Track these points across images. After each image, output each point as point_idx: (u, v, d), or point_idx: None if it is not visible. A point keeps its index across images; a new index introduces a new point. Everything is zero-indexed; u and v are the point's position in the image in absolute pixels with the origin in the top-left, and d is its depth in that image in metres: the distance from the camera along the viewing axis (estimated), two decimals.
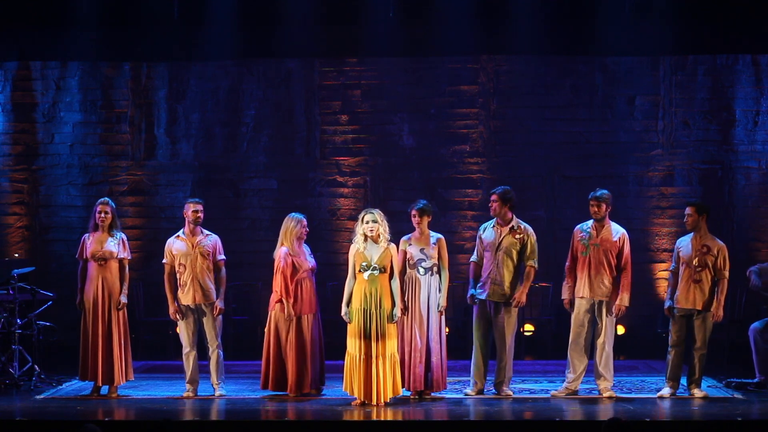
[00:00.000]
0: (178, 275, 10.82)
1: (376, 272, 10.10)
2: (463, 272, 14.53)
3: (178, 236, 10.95)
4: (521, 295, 10.57)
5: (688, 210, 10.75)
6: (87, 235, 10.91)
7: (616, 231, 10.69)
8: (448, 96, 14.67)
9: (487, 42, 14.39)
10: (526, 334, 14.13)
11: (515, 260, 10.60)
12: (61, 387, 11.30)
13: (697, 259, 10.62)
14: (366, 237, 10.15)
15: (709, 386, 11.21)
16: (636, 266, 14.31)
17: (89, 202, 14.68)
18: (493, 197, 10.73)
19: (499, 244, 10.60)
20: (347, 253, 10.47)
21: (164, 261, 10.94)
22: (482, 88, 14.66)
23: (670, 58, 14.50)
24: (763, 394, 10.69)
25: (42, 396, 10.77)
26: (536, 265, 10.64)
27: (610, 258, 10.60)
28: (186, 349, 10.80)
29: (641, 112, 14.60)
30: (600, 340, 10.58)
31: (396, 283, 10.18)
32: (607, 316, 10.60)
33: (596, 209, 10.64)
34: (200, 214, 10.88)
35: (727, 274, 10.59)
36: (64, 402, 10.44)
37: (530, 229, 10.70)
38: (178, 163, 14.79)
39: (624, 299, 10.62)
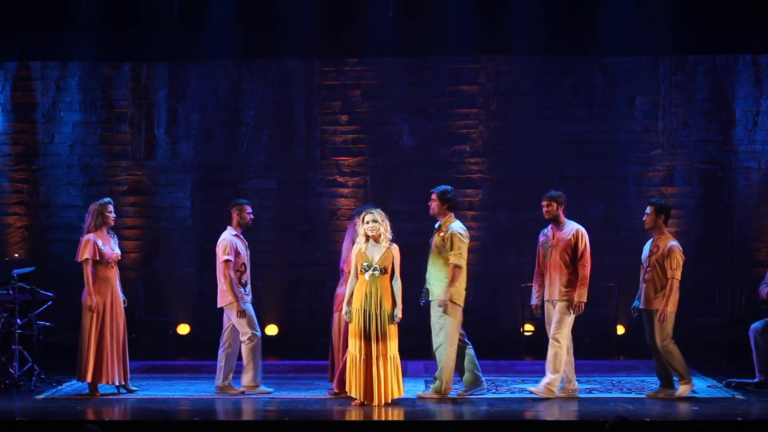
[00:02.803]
0: (237, 274, 10.81)
1: (377, 273, 10.10)
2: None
3: (237, 236, 10.93)
4: (443, 293, 10.40)
5: (647, 209, 10.79)
6: (92, 235, 10.77)
7: (571, 229, 10.62)
8: (448, 96, 14.67)
9: (487, 42, 14.39)
10: (526, 334, 14.12)
11: (444, 259, 10.48)
12: (61, 387, 11.30)
13: (648, 259, 10.62)
14: (368, 237, 10.14)
15: (709, 386, 11.22)
16: (636, 266, 14.34)
17: (89, 202, 14.63)
18: (433, 196, 10.65)
19: (431, 243, 10.61)
20: (348, 252, 10.47)
21: (229, 258, 10.82)
22: (482, 88, 14.66)
23: (670, 58, 14.50)
24: (763, 394, 10.69)
25: (42, 396, 10.76)
26: (459, 263, 10.34)
27: (566, 257, 10.57)
28: (255, 340, 10.82)
29: (641, 112, 14.60)
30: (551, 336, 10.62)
31: (397, 284, 10.17)
32: (563, 313, 10.55)
33: (547, 209, 10.65)
34: (252, 216, 11.00)
35: (676, 274, 10.51)
36: (64, 402, 10.43)
37: (457, 229, 10.44)
38: (178, 163, 14.79)
39: (580, 295, 10.55)
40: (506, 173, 14.57)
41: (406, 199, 14.58)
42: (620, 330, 14.13)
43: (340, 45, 14.56)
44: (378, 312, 10.07)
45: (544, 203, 10.68)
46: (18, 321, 11.34)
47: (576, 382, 10.64)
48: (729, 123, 14.52)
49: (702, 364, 12.67)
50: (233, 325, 10.84)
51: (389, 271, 10.14)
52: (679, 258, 10.57)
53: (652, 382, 11.48)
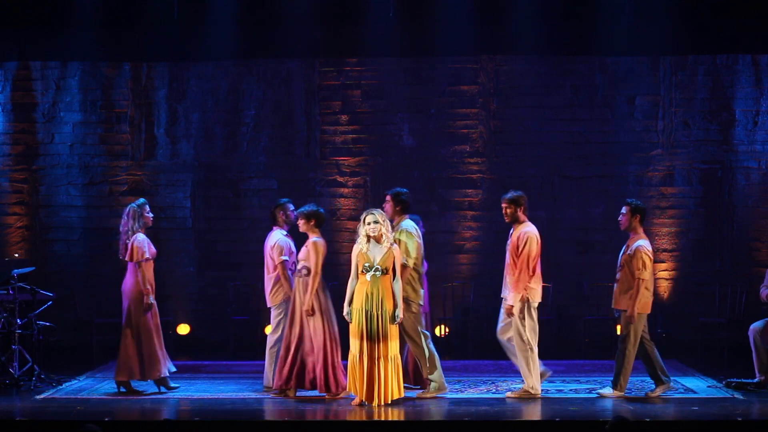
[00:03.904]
0: (290, 273, 10.90)
1: (378, 273, 10.10)
2: (463, 272, 14.56)
3: (287, 235, 11.06)
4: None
5: (623, 209, 10.76)
6: (143, 236, 10.91)
7: (521, 231, 10.59)
8: (448, 96, 14.67)
9: (487, 42, 14.39)
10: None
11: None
12: (61, 387, 11.30)
13: (620, 258, 10.65)
14: (369, 238, 10.14)
15: (709, 386, 11.22)
16: None
17: (89, 202, 14.72)
18: (387, 198, 10.74)
19: None
20: (348, 253, 10.48)
21: (286, 259, 10.94)
22: (482, 88, 14.66)
23: (670, 58, 14.50)
24: (763, 394, 10.69)
25: (42, 396, 10.76)
26: (405, 262, 10.39)
27: (514, 258, 10.55)
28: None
29: (641, 112, 14.60)
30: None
31: (398, 284, 10.18)
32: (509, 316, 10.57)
33: (505, 211, 10.65)
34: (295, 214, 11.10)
35: (643, 275, 10.47)
36: (64, 402, 10.44)
37: (406, 227, 10.50)
38: (178, 163, 14.79)
39: (509, 298, 10.51)
40: (506, 173, 14.56)
41: None
42: (620, 330, 14.11)
43: (340, 45, 14.56)
44: (379, 312, 10.07)
45: (503, 205, 10.67)
46: (18, 321, 11.34)
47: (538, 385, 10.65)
48: (729, 123, 14.52)
49: (702, 364, 12.68)
50: (282, 324, 10.82)
51: (390, 271, 10.14)
52: (645, 258, 10.50)
53: (652, 382, 11.49)
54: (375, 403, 10.00)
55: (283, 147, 14.77)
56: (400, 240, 10.42)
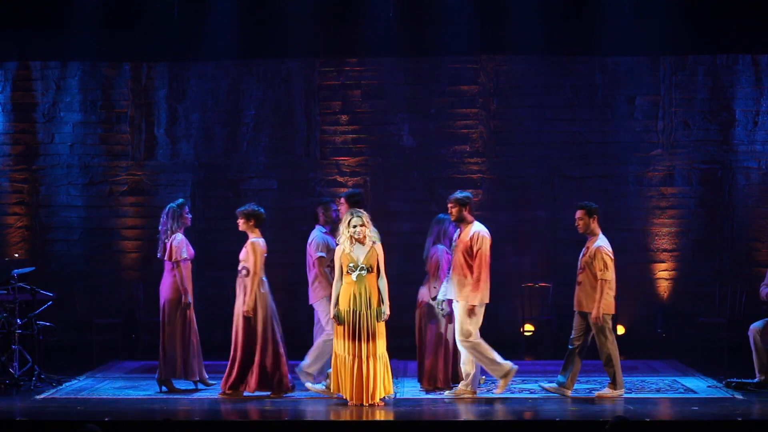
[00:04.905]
0: (329, 271, 10.92)
1: (363, 272, 10.12)
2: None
3: (327, 233, 11.12)
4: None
5: (578, 213, 10.70)
6: (183, 235, 10.99)
7: (473, 230, 10.57)
8: (448, 96, 14.67)
9: (487, 42, 14.39)
10: (526, 334, 14.13)
11: None
12: (61, 387, 11.30)
13: (580, 260, 10.63)
14: (352, 239, 10.14)
15: (709, 386, 11.22)
16: (635, 266, 14.40)
17: (89, 202, 14.71)
18: (341, 200, 10.84)
19: None
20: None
21: (322, 255, 10.99)
22: (482, 88, 14.66)
23: (670, 58, 14.50)
24: (763, 394, 10.68)
25: (42, 396, 10.76)
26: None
27: (464, 259, 10.53)
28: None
29: (641, 112, 14.60)
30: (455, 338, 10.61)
31: (383, 282, 10.21)
32: (462, 314, 10.51)
33: (450, 210, 10.64)
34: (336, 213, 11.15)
35: (606, 275, 10.44)
36: (64, 402, 10.44)
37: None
38: (178, 163, 14.79)
39: (470, 298, 10.47)
40: (506, 173, 14.56)
41: (406, 199, 14.59)
42: (620, 330, 14.13)
43: (340, 45, 14.55)
44: (368, 312, 10.09)
45: (449, 205, 10.66)
46: (18, 321, 11.34)
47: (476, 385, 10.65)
48: (729, 123, 14.52)
49: (702, 364, 12.68)
50: (327, 319, 10.88)
51: (375, 269, 10.15)
52: (606, 259, 10.49)
53: (652, 382, 11.50)
54: (366, 402, 10.00)
55: (283, 147, 14.77)
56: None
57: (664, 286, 14.52)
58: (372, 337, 10.08)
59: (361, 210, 10.29)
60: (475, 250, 10.46)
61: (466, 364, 10.57)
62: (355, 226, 10.11)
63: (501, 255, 14.65)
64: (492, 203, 14.50)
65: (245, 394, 10.67)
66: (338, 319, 10.12)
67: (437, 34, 14.19)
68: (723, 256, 14.47)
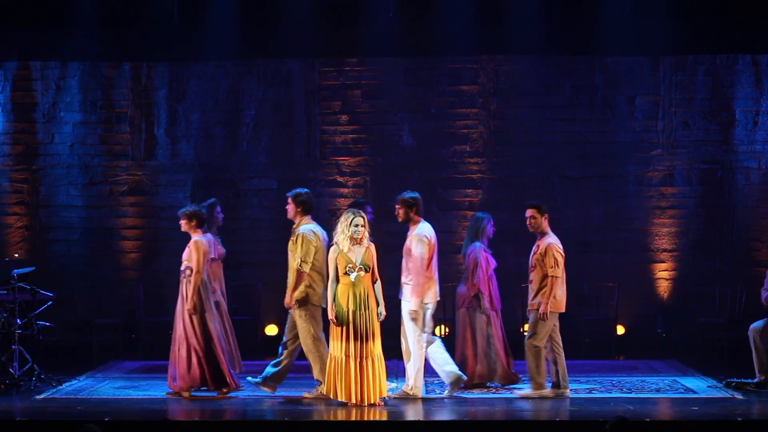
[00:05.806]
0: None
1: (362, 273, 10.10)
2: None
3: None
4: (287, 297, 10.49)
5: (528, 212, 10.66)
6: (209, 234, 11.02)
7: (412, 233, 10.53)
8: (448, 96, 14.67)
9: (487, 42, 14.39)
10: (525, 334, 14.09)
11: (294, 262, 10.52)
12: (61, 387, 11.30)
13: (530, 258, 10.62)
14: (353, 239, 10.10)
15: (709, 386, 11.22)
16: (635, 266, 14.41)
17: (89, 202, 14.72)
18: (288, 200, 10.72)
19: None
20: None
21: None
22: (482, 88, 14.66)
23: (670, 58, 14.50)
24: (763, 394, 10.68)
25: (42, 396, 10.76)
26: (300, 267, 10.40)
27: (408, 260, 10.49)
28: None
29: (641, 112, 14.60)
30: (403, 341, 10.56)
31: (377, 283, 10.19)
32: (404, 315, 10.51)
33: (397, 212, 10.60)
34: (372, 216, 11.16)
35: (556, 272, 10.43)
36: (64, 402, 10.43)
37: (304, 230, 10.49)
38: (178, 163, 14.79)
39: (412, 302, 10.41)
40: (506, 173, 14.57)
41: None
42: (620, 330, 14.14)
43: (340, 45, 14.56)
44: (367, 312, 10.08)
45: (396, 206, 10.62)
46: (18, 321, 11.34)
47: (422, 387, 10.61)
48: (729, 123, 14.52)
49: (702, 364, 12.67)
50: None
51: (371, 269, 10.14)
52: (557, 256, 10.49)
53: (652, 382, 11.49)
54: (364, 402, 9.99)
55: (283, 147, 14.77)
56: (298, 243, 10.45)
57: (664, 286, 14.52)
58: (372, 337, 10.07)
59: (359, 210, 10.26)
60: (412, 253, 10.41)
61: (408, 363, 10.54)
62: (357, 226, 10.07)
63: (501, 255, 14.60)
64: (492, 203, 14.49)
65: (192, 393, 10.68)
66: (339, 320, 10.10)
67: (437, 34, 14.19)
68: (723, 256, 14.47)
